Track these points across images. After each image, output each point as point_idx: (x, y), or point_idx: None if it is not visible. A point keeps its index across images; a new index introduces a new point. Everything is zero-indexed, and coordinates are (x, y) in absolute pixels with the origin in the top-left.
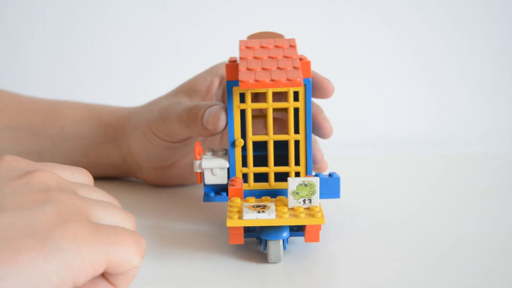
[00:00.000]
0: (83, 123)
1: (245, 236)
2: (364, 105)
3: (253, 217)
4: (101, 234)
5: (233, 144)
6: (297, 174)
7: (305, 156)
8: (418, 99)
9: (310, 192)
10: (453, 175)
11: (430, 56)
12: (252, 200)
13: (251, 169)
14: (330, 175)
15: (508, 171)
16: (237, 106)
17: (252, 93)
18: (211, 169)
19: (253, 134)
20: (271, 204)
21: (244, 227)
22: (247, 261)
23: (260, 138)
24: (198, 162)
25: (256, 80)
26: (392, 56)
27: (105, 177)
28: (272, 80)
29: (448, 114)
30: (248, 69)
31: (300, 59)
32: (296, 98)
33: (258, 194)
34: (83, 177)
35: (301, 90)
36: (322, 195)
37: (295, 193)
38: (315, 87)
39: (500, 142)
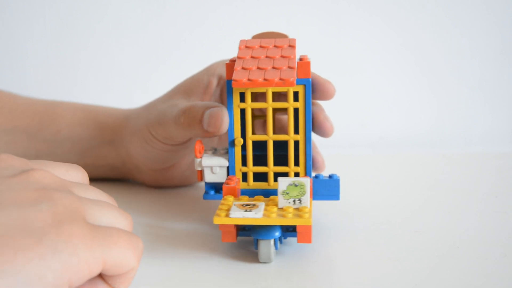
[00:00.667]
0: (80, 125)
1: (240, 235)
2: (364, 105)
3: (239, 216)
4: (98, 234)
5: (232, 143)
6: (297, 175)
7: (305, 157)
8: (418, 99)
9: (300, 193)
10: (453, 175)
11: (430, 56)
12: (245, 199)
13: (251, 168)
14: (330, 176)
15: (508, 171)
16: (237, 105)
17: (254, 93)
18: (211, 168)
19: (254, 134)
20: (261, 203)
21: (240, 226)
22: (242, 261)
23: (260, 137)
24: (198, 160)
25: (249, 79)
26: (392, 56)
27: (103, 179)
28: (265, 79)
29: (448, 114)
30: (243, 68)
31: (301, 59)
32: (296, 98)
33: (255, 194)
34: (77, 174)
35: (300, 90)
36: (322, 197)
37: (285, 193)
38: (316, 89)
39: (500, 142)
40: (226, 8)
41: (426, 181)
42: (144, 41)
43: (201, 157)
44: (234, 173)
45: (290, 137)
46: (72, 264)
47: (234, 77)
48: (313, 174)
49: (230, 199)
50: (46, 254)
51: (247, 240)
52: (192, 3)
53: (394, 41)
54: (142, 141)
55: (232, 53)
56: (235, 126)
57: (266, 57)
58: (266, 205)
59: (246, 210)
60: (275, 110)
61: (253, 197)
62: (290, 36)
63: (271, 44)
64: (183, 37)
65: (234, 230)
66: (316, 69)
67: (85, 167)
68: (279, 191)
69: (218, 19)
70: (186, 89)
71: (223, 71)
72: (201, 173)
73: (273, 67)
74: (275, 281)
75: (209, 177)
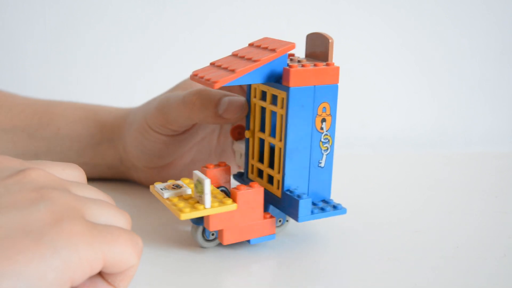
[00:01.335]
0: (79, 124)
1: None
2: (364, 105)
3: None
4: (97, 232)
5: (247, 134)
6: (277, 182)
7: (283, 164)
8: (418, 99)
9: (201, 190)
10: (453, 175)
11: (430, 56)
12: (186, 181)
13: (254, 163)
14: (324, 200)
15: (508, 171)
16: (253, 100)
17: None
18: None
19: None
20: (187, 188)
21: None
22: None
23: (261, 135)
24: (235, 142)
25: (200, 77)
26: (392, 56)
27: (101, 178)
28: (206, 79)
29: (448, 114)
30: (216, 65)
31: (290, 66)
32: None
33: None
34: (74, 172)
35: (284, 97)
36: (287, 212)
37: (195, 186)
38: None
39: (500, 142)
40: (226, 8)
41: (426, 181)
42: (144, 41)
43: (236, 140)
44: (247, 163)
45: (276, 142)
46: (73, 262)
47: (195, 71)
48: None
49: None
50: (46, 254)
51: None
52: (192, 3)
53: (394, 41)
54: (137, 134)
55: None
56: (251, 119)
57: (240, 57)
58: (192, 191)
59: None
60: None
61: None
62: (291, 36)
63: (269, 44)
64: (183, 37)
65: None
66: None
67: (83, 165)
68: (194, 181)
69: (218, 19)
70: (186, 87)
71: None
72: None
73: (226, 68)
74: (274, 281)
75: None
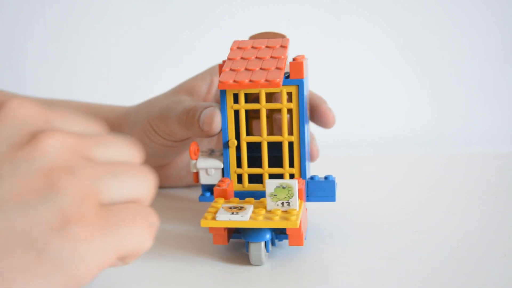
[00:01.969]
0: None
1: (233, 237)
2: (364, 105)
3: (226, 218)
4: (109, 227)
5: (226, 144)
6: (292, 176)
7: (299, 158)
8: (418, 99)
9: (288, 195)
10: (453, 175)
11: (430, 56)
12: (235, 201)
13: (245, 170)
14: (325, 177)
15: (508, 171)
16: (230, 106)
17: (253, 94)
18: (206, 169)
19: (252, 135)
20: (250, 206)
21: (233, 229)
22: (235, 264)
23: (254, 139)
24: (193, 161)
25: (234, 81)
26: (392, 56)
27: None
28: (251, 80)
29: (448, 114)
30: (231, 69)
31: (294, 60)
32: (290, 99)
33: (250, 196)
34: (96, 128)
35: (294, 91)
36: (317, 198)
37: (273, 195)
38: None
39: (500, 142)
40: (226, 8)
41: (426, 181)
42: (144, 41)
43: (196, 159)
44: (229, 175)
45: (284, 138)
46: (80, 272)
47: (220, 78)
48: (308, 175)
49: (220, 201)
50: (50, 270)
51: (240, 243)
52: (191, 3)
53: (394, 41)
54: (142, 134)
55: None
56: (229, 128)
57: (256, 58)
58: (255, 207)
59: (232, 213)
60: (272, 111)
61: (245, 199)
62: (290, 36)
63: (264, 44)
64: (183, 37)
65: (225, 233)
66: (316, 69)
67: None
68: (267, 193)
69: (218, 19)
70: (189, 88)
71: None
72: (196, 175)
73: (261, 68)
74: (274, 281)
75: (205, 179)
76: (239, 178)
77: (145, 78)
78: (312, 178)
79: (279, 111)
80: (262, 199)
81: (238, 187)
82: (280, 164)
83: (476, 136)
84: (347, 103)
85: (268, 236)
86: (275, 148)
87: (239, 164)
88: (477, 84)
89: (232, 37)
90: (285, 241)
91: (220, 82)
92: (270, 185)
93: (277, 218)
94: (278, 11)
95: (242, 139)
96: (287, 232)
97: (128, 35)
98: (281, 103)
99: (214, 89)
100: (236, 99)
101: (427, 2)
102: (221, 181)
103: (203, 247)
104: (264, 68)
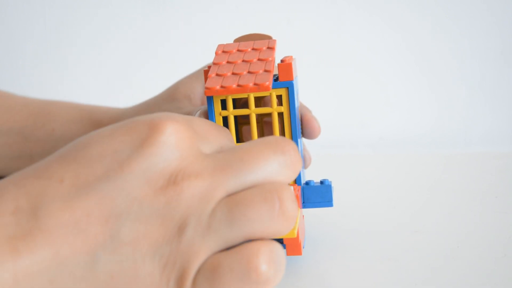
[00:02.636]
0: (74, 124)
1: None
2: (364, 105)
3: None
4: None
5: None
6: None
7: None
8: (418, 99)
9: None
10: (453, 175)
11: (430, 56)
12: None
13: None
14: (321, 182)
15: (508, 171)
16: (218, 113)
17: (241, 99)
18: None
19: (242, 141)
20: None
21: None
22: None
23: None
24: None
25: (222, 86)
26: (392, 56)
27: None
28: (238, 85)
29: (448, 114)
30: (217, 74)
31: (282, 61)
32: (281, 102)
33: None
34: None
35: (284, 94)
36: (314, 204)
37: None
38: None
39: (500, 142)
40: (226, 8)
41: (426, 181)
42: (144, 41)
43: None
44: None
45: None
46: None
47: (207, 85)
48: (303, 181)
49: None
50: None
51: None
52: (191, 3)
53: (394, 41)
54: None
55: None
56: None
57: (243, 61)
58: None
59: None
60: (262, 115)
61: None
62: (290, 36)
63: (250, 47)
64: (182, 37)
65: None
66: (317, 69)
67: None
68: None
69: (218, 19)
70: (187, 91)
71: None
72: None
73: (249, 72)
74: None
75: None
76: None
77: (145, 78)
78: (307, 183)
79: (269, 115)
80: None
81: None
82: None
83: (476, 136)
84: (347, 103)
85: None
86: None
87: None
88: (477, 84)
89: (232, 37)
90: None
91: (206, 88)
92: None
93: None
94: (278, 11)
95: None
96: (285, 242)
97: (128, 35)
98: (271, 107)
99: None
100: (224, 106)
101: (427, 2)
102: None
103: None
104: (252, 72)
